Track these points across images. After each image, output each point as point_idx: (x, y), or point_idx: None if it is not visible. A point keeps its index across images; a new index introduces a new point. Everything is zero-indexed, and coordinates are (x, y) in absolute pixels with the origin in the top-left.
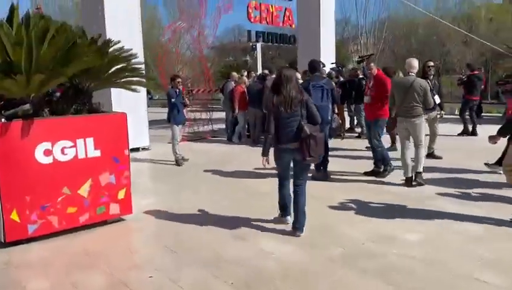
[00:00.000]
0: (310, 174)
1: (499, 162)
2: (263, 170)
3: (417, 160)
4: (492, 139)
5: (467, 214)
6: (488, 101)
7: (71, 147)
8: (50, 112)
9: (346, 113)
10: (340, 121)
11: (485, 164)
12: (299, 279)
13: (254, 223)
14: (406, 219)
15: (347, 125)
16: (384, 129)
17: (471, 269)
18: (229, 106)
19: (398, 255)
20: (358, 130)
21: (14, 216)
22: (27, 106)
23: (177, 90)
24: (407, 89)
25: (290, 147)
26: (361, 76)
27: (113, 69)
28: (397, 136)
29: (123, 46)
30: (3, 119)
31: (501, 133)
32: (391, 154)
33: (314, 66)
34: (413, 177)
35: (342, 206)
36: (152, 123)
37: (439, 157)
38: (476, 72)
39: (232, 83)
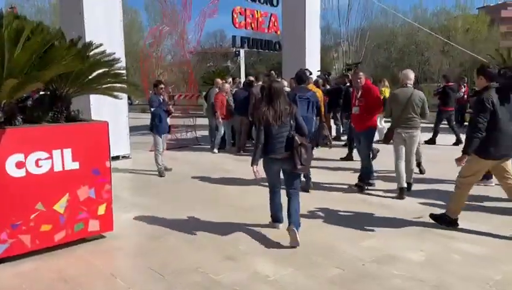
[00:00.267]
0: None
1: (485, 176)
2: (250, 181)
3: (408, 171)
4: (459, 160)
5: (468, 229)
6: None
7: (46, 158)
8: (23, 120)
9: (332, 122)
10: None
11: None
12: None
13: (245, 239)
14: (405, 236)
15: (333, 133)
16: (374, 139)
17: None
18: (212, 114)
19: (402, 278)
20: (345, 138)
21: None
22: None
23: (161, 98)
24: (407, 100)
25: (279, 157)
26: (348, 84)
27: (94, 74)
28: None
29: (105, 50)
30: None
31: (465, 151)
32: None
33: (302, 77)
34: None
35: (338, 221)
36: (132, 129)
37: (423, 172)
38: (450, 84)
39: (216, 89)
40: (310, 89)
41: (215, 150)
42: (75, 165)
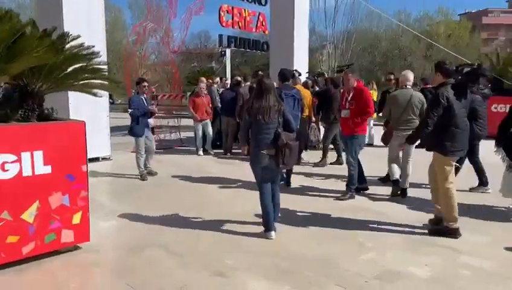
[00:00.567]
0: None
1: (482, 183)
2: (237, 185)
3: (405, 176)
4: (402, 146)
5: (471, 240)
6: None
7: (14, 161)
8: None
9: (320, 124)
10: (318, 133)
11: (470, 189)
12: None
13: (233, 251)
14: (406, 249)
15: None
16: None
17: None
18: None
19: None
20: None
21: None
22: None
23: (144, 98)
24: (407, 102)
25: (264, 152)
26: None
27: (71, 68)
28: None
29: (83, 43)
30: None
31: (407, 140)
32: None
33: (285, 75)
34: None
35: (333, 232)
36: (113, 130)
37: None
38: (428, 86)
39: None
40: (294, 87)
41: (200, 152)
42: (47, 169)
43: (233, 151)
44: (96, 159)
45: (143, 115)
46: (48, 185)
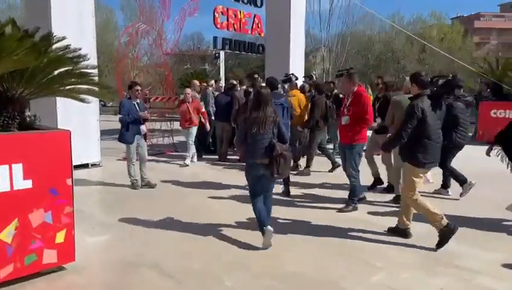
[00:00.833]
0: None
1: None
2: (233, 196)
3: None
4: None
5: (487, 258)
6: None
7: None
8: None
9: None
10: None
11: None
12: None
13: (232, 270)
14: (417, 268)
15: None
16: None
17: None
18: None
19: None
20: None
21: None
22: None
23: (137, 103)
24: None
25: (258, 162)
26: (336, 91)
27: (55, 72)
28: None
29: (69, 45)
30: None
31: (382, 147)
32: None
33: (273, 83)
34: None
35: (336, 249)
36: (104, 133)
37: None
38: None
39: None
40: (283, 94)
41: (187, 161)
42: (27, 184)
43: (228, 157)
44: (85, 166)
45: (133, 121)
46: (28, 201)
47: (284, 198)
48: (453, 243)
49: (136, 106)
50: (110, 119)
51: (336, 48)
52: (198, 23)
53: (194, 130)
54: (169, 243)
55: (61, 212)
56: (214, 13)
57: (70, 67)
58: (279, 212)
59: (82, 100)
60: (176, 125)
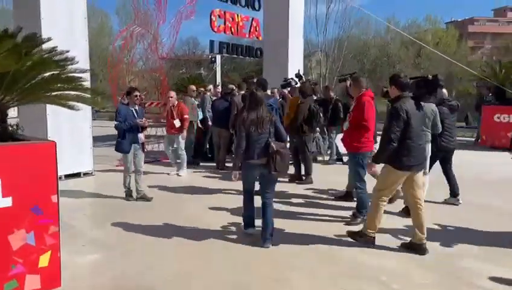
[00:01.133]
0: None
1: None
2: (232, 210)
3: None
4: (369, 167)
5: (506, 278)
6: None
7: None
8: None
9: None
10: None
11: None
12: None
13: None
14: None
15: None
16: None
17: None
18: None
19: None
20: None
21: None
22: None
23: (135, 109)
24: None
25: (259, 163)
26: (335, 97)
27: (40, 77)
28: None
29: (55, 47)
30: None
31: (374, 160)
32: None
33: (264, 84)
34: None
35: (349, 269)
36: (98, 140)
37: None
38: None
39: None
40: (273, 95)
41: (181, 172)
42: (7, 202)
43: (226, 165)
44: (77, 175)
45: (130, 128)
46: (8, 221)
47: (287, 209)
48: (473, 260)
49: (134, 112)
50: (104, 125)
51: (333, 52)
52: (193, 28)
53: (181, 137)
54: (164, 262)
55: (45, 233)
56: (210, 16)
57: (57, 72)
58: (284, 225)
59: (71, 107)
60: None
